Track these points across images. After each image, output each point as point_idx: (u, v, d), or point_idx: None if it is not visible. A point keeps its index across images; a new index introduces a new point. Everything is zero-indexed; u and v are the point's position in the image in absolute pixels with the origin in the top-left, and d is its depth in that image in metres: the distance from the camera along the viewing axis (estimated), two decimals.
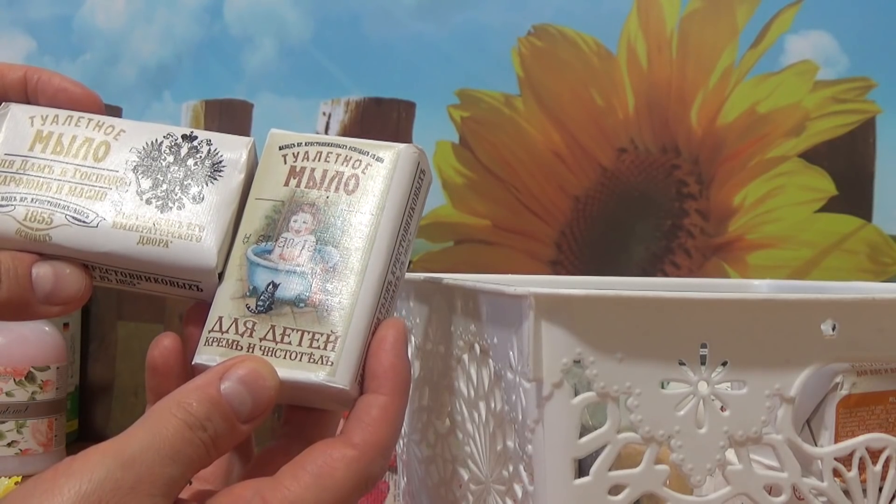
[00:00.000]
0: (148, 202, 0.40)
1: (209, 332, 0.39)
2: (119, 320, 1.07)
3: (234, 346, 0.38)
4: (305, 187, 0.41)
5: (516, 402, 0.39)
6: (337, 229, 0.40)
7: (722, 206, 0.94)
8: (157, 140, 0.42)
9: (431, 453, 0.50)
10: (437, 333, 0.49)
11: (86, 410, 1.06)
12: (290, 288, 0.39)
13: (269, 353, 0.38)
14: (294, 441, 0.40)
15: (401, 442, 0.57)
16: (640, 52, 0.96)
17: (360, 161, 0.41)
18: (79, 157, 0.41)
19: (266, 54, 1.04)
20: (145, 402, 0.41)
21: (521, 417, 0.39)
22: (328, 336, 0.38)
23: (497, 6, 0.99)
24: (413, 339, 0.53)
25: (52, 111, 0.42)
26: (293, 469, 0.35)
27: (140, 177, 0.41)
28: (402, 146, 0.41)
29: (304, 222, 0.40)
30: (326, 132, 1.02)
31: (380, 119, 1.01)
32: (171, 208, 0.40)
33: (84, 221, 0.40)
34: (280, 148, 0.42)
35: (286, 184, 0.41)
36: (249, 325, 0.39)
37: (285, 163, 0.42)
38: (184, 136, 0.42)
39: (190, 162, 0.41)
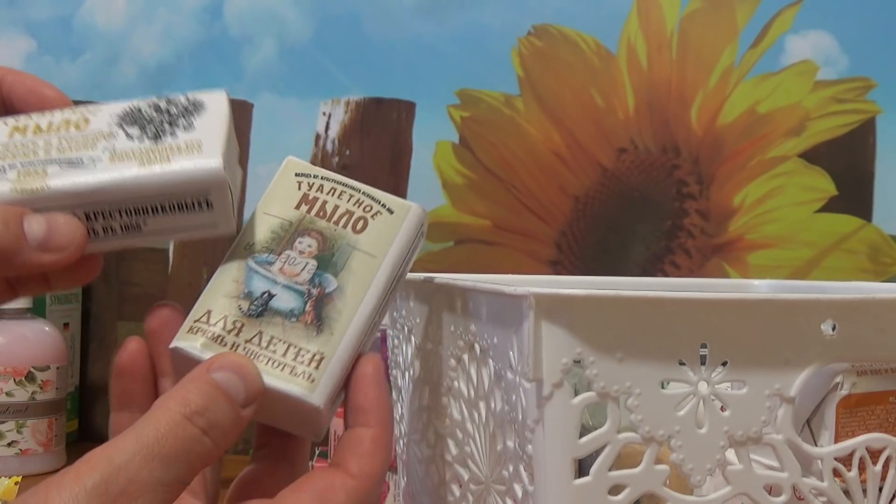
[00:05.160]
0: (140, 139, 0.40)
1: (194, 321, 0.39)
2: (119, 320, 1.07)
3: (218, 341, 0.38)
4: (316, 215, 0.42)
5: (516, 402, 0.39)
6: (340, 261, 0.41)
7: (722, 206, 0.94)
8: (135, 105, 0.41)
9: (431, 453, 0.50)
10: (438, 333, 0.49)
11: (86, 410, 1.06)
12: (285, 301, 0.40)
13: (253, 356, 0.38)
14: (277, 462, 0.41)
15: (401, 442, 0.57)
16: (640, 52, 0.96)
17: (371, 207, 0.42)
18: (61, 131, 0.40)
19: (266, 54, 1.04)
20: None
21: (521, 417, 0.39)
22: (314, 355, 0.38)
23: (497, 6, 0.99)
24: (413, 339, 0.53)
25: (23, 115, 0.41)
26: (294, 492, 0.36)
27: (127, 127, 0.40)
28: (413, 205, 0.43)
29: (308, 245, 0.41)
30: (326, 132, 1.02)
31: (380, 119, 1.01)
32: (163, 138, 0.39)
33: (80, 164, 0.39)
34: (296, 174, 0.43)
35: (297, 207, 0.42)
36: (238, 324, 0.39)
37: (299, 189, 0.43)
38: (159, 97, 0.42)
39: (172, 109, 0.41)
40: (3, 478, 0.74)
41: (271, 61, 1.04)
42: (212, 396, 0.35)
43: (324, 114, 1.03)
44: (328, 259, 0.41)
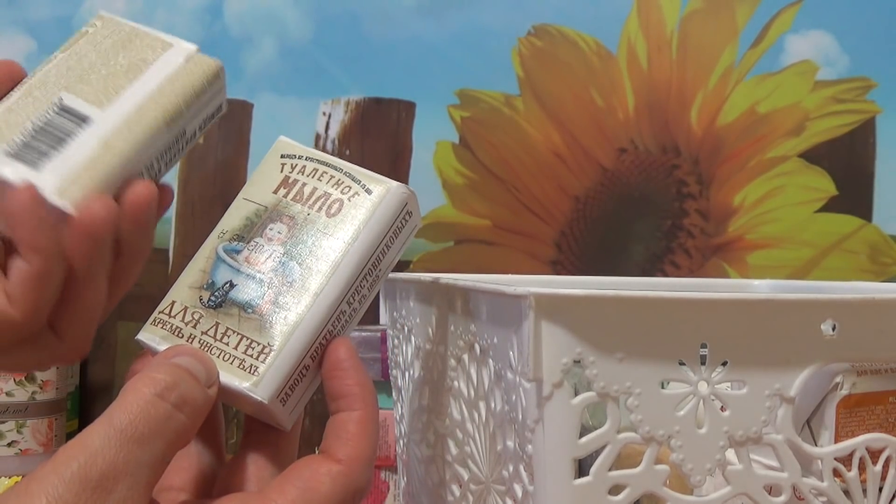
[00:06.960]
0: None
1: (159, 312, 0.40)
2: (119, 320, 1.07)
3: (176, 333, 0.39)
4: (291, 199, 0.41)
5: (516, 402, 0.39)
6: (306, 247, 0.40)
7: (722, 206, 0.94)
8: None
9: (431, 453, 0.50)
10: (437, 333, 0.49)
11: (86, 410, 1.06)
12: (245, 292, 0.39)
13: (206, 349, 0.38)
14: (262, 448, 0.40)
15: (401, 442, 0.57)
16: (640, 53, 0.96)
17: (350, 188, 0.41)
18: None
19: (266, 54, 1.04)
20: None
21: (521, 417, 0.39)
22: (263, 347, 0.38)
23: (497, 6, 0.99)
24: (413, 339, 0.53)
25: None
26: (280, 483, 0.36)
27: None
28: (394, 184, 0.41)
29: (278, 232, 0.41)
30: (326, 132, 1.02)
31: (380, 119, 1.01)
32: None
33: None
34: (282, 156, 0.43)
35: (275, 191, 0.42)
36: (196, 316, 0.39)
37: (281, 171, 0.42)
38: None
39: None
40: (2, 478, 0.74)
41: (271, 61, 1.04)
42: (178, 374, 0.35)
43: (324, 114, 1.03)
44: (295, 245, 0.40)
